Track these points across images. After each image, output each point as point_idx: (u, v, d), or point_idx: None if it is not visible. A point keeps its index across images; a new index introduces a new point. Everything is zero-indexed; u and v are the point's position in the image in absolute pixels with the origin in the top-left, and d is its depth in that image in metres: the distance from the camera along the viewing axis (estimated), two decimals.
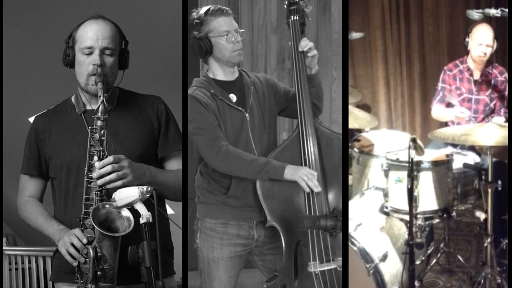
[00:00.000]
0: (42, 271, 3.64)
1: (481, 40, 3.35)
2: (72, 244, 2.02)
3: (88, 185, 2.06)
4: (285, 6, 2.45)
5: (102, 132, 2.05)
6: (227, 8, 2.36)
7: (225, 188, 2.36)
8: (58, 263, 2.19)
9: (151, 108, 2.27)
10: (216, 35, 2.32)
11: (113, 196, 1.95)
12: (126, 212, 1.96)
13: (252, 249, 2.45)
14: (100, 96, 2.06)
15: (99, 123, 2.05)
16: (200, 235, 2.44)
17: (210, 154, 2.29)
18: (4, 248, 3.74)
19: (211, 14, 2.32)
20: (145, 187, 1.88)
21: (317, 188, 2.24)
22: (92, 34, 2.14)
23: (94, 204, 2.02)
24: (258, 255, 2.47)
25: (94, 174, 2.02)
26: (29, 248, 3.69)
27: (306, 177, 2.23)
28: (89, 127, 2.07)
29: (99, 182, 2.02)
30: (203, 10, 2.34)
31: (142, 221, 1.87)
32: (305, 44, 2.36)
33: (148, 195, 1.88)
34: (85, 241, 2.01)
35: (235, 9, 3.80)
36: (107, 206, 1.98)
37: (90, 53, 2.14)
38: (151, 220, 1.87)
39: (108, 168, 2.02)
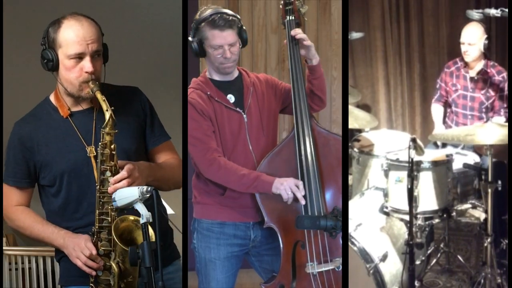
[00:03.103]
0: (42, 271, 3.62)
1: (464, 39, 3.40)
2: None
3: (101, 200, 2.04)
4: (280, 6, 2.42)
5: (112, 146, 2.03)
6: (229, 19, 2.26)
7: (222, 188, 2.35)
8: (67, 267, 2.16)
9: (135, 100, 2.24)
10: (208, 46, 2.29)
11: (113, 196, 1.95)
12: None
13: (249, 249, 2.44)
14: (107, 110, 2.00)
15: (108, 138, 2.02)
16: (197, 235, 2.43)
17: (202, 165, 2.30)
18: (4, 248, 3.72)
19: (208, 23, 2.25)
20: (145, 187, 1.88)
21: (302, 201, 2.24)
22: (80, 39, 2.03)
23: (110, 218, 2.03)
24: (255, 255, 2.47)
25: (110, 189, 2.00)
26: (29, 248, 3.67)
27: (291, 190, 2.22)
28: (99, 143, 2.02)
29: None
30: (207, 12, 2.26)
31: (142, 221, 1.87)
32: (296, 32, 2.33)
33: (148, 195, 1.88)
34: (94, 252, 2.02)
35: (235, 9, 3.81)
36: (127, 219, 1.99)
37: (80, 58, 2.05)
38: (151, 220, 1.87)
39: (124, 183, 2.00)
